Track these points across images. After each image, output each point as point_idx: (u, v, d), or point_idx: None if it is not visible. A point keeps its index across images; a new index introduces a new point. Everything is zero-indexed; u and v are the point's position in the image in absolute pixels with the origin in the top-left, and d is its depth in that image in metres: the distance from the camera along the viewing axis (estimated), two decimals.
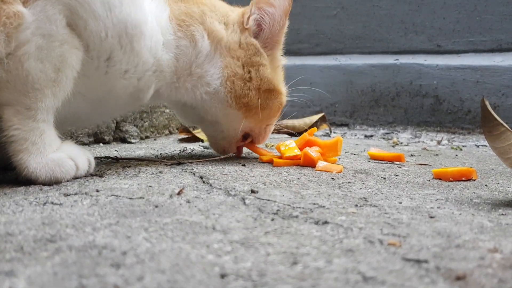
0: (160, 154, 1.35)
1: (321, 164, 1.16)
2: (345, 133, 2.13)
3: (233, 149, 1.22)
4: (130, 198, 0.84)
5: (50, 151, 0.91)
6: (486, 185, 1.06)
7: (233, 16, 1.14)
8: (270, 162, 1.21)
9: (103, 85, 0.98)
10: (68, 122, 1.06)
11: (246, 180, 1.00)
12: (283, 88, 1.19)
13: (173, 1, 1.06)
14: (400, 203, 0.88)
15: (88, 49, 0.92)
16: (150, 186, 0.92)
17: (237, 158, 1.26)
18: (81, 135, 1.52)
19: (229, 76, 1.08)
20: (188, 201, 0.83)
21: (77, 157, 0.96)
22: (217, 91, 1.09)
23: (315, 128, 1.35)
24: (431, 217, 0.79)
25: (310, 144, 1.23)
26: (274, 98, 1.15)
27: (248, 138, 1.22)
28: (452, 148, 1.76)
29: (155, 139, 1.74)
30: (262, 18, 1.13)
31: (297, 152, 1.20)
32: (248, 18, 1.12)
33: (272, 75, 1.14)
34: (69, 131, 1.42)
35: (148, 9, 0.98)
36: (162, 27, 1.02)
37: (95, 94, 1.00)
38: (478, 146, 1.81)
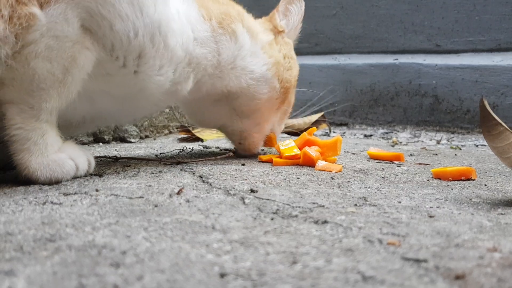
0: (160, 153, 1.35)
1: (320, 163, 1.16)
2: (344, 133, 2.13)
3: (260, 146, 1.28)
4: (130, 198, 0.84)
5: (51, 152, 0.91)
6: (485, 185, 1.07)
7: (256, 21, 1.24)
8: (270, 162, 1.21)
9: (131, 84, 0.99)
10: (95, 121, 1.09)
11: (246, 179, 1.00)
12: None
13: (210, 2, 1.12)
14: (400, 202, 0.88)
15: (114, 49, 0.92)
16: (150, 186, 0.92)
17: (237, 157, 1.26)
18: (80, 135, 1.52)
19: (274, 63, 1.19)
20: (187, 201, 0.83)
21: (77, 158, 0.96)
22: (264, 75, 1.17)
23: (315, 127, 1.35)
24: (431, 217, 0.79)
25: (309, 143, 1.23)
26: (292, 95, 1.27)
27: None
28: (451, 147, 1.76)
29: (154, 139, 1.74)
30: (287, 24, 1.27)
31: (296, 151, 1.20)
32: (279, 22, 1.25)
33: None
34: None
35: (176, 6, 1.01)
36: (192, 24, 1.06)
37: (122, 92, 1.00)
38: (477, 146, 1.81)
